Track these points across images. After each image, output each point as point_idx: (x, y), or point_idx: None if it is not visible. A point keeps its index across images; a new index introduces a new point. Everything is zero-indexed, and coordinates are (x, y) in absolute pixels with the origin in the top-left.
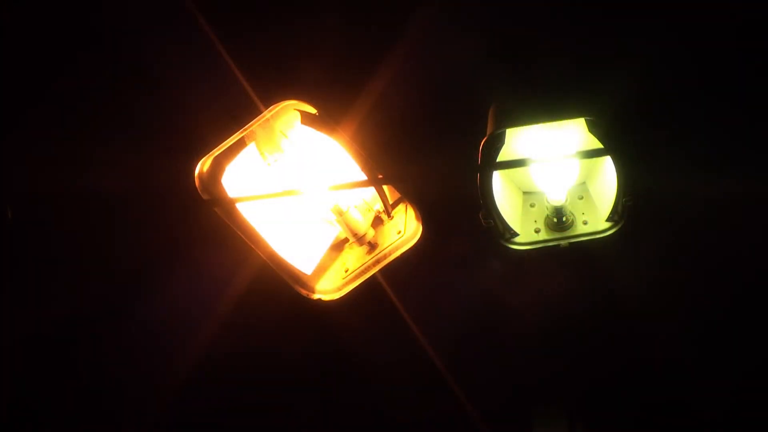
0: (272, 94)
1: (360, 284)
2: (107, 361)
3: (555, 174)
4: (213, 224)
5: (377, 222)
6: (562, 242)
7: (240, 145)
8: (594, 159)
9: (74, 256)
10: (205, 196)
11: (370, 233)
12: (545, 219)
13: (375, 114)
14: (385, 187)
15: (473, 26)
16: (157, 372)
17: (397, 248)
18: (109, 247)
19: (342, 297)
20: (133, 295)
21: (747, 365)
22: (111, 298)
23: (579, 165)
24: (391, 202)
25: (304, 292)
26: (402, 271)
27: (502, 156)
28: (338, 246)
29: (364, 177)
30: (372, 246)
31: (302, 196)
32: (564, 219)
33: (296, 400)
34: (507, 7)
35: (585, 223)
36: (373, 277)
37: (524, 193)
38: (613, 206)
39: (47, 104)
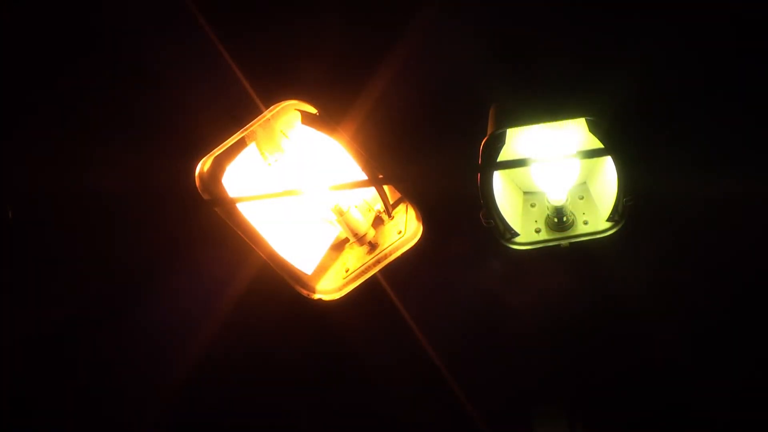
0: (272, 94)
1: (360, 284)
2: (107, 362)
3: (555, 174)
4: (213, 224)
5: (378, 222)
6: (563, 242)
7: (240, 145)
8: (594, 159)
9: (74, 256)
10: (205, 196)
11: (371, 233)
12: (546, 219)
13: (375, 114)
14: (385, 187)
15: (473, 26)
16: (157, 372)
17: (397, 248)
18: (109, 247)
19: (342, 297)
20: (133, 295)
21: (747, 365)
22: (111, 298)
23: (579, 165)
24: (391, 202)
25: (304, 292)
26: (402, 271)
27: (503, 156)
28: (339, 246)
29: (364, 177)
30: (372, 246)
31: (303, 196)
32: (564, 219)
33: (296, 400)
34: (507, 7)
35: (585, 223)
36: (373, 277)
37: (525, 193)
38: (614, 206)
39: (47, 104)
